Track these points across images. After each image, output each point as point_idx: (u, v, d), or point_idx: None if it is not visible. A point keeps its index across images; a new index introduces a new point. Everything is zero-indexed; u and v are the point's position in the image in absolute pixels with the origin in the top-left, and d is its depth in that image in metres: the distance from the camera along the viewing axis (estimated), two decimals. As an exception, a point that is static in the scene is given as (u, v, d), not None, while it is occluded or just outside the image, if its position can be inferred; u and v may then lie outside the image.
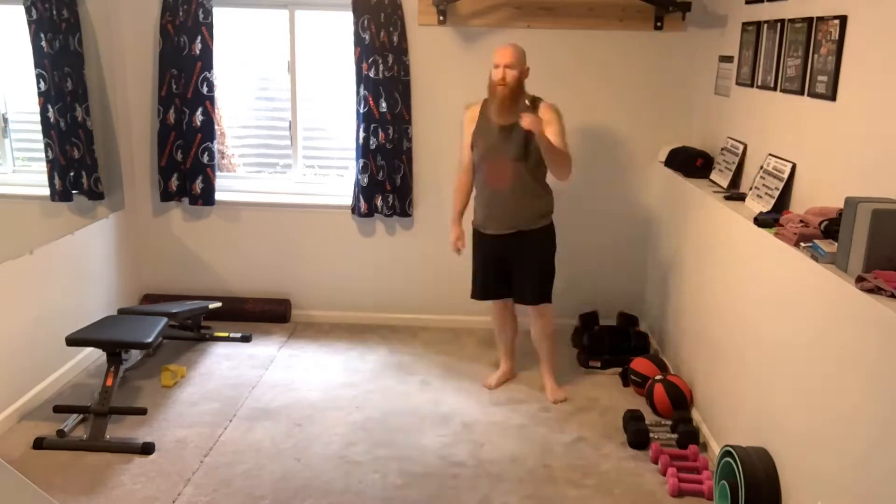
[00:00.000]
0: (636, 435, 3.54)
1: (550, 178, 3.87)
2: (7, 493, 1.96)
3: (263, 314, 4.93)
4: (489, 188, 3.82)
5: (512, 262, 3.90)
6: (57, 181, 4.13)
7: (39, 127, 4.06)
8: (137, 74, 4.74)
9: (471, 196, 3.98)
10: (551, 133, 3.65)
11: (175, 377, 4.09)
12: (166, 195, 4.82)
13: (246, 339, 4.67)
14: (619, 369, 4.27)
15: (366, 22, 4.49)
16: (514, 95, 3.66)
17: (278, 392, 4.04)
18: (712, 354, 3.52)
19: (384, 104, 4.57)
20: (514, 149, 3.70)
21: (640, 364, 4.08)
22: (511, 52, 3.65)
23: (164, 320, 3.90)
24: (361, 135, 4.62)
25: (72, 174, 4.20)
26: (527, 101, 3.74)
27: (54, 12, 3.99)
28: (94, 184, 4.33)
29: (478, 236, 3.96)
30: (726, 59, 4.02)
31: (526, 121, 3.49)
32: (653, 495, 3.20)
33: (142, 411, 3.64)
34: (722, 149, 3.95)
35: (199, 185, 4.76)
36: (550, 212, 3.91)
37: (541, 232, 3.87)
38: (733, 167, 3.73)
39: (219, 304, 4.72)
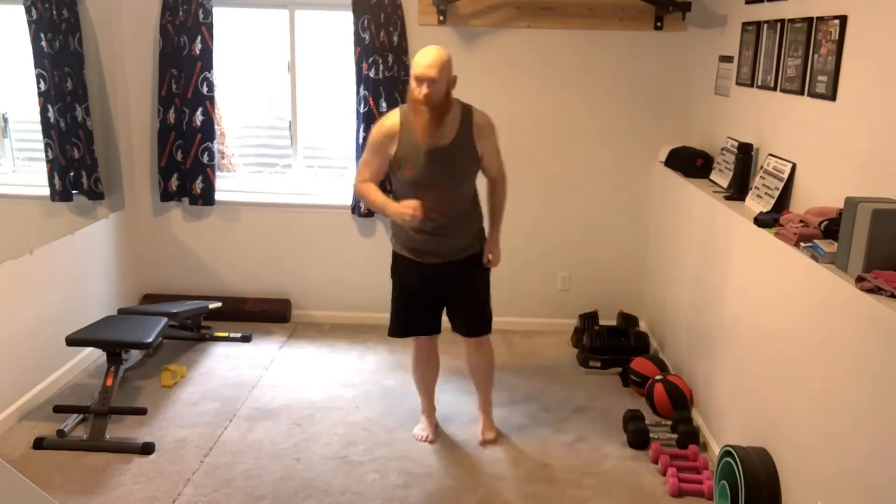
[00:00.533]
0: (636, 435, 3.54)
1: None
2: (7, 493, 1.96)
3: (263, 314, 4.93)
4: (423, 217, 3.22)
5: (449, 291, 3.41)
6: (57, 181, 4.13)
7: (39, 127, 4.06)
8: (137, 74, 4.74)
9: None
10: (490, 149, 3.28)
11: (175, 377, 4.09)
12: (166, 195, 4.82)
13: (246, 339, 4.67)
14: (619, 369, 4.27)
15: (366, 22, 4.49)
16: (441, 114, 3.11)
17: (278, 392, 4.04)
18: (712, 354, 3.52)
19: (384, 104, 4.56)
20: (449, 172, 3.18)
21: (640, 364, 4.08)
22: (435, 64, 3.04)
23: (164, 320, 3.90)
24: (361, 135, 4.62)
25: (72, 174, 4.20)
26: (458, 112, 3.20)
27: (54, 12, 3.99)
28: (94, 184, 4.33)
29: (405, 263, 3.38)
30: (726, 59, 4.02)
31: (493, 261, 3.36)
32: (653, 495, 3.20)
33: (142, 411, 3.64)
34: (722, 149, 3.95)
35: (199, 185, 4.76)
36: (483, 227, 3.46)
37: (480, 255, 3.41)
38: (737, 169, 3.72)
39: (219, 304, 4.72)
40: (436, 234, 3.27)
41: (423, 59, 3.07)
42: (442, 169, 3.16)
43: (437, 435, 3.63)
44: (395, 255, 3.44)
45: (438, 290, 3.41)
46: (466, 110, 3.24)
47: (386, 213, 3.22)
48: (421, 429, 3.64)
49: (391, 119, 3.23)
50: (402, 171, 3.21)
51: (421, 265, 3.35)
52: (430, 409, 3.69)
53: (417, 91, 3.07)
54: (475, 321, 3.48)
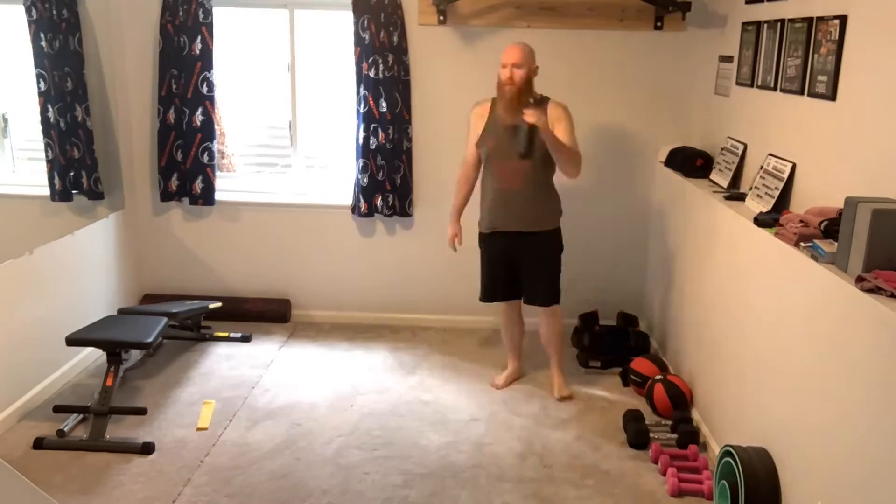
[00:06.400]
0: (636, 435, 3.54)
1: (560, 178, 3.86)
2: (7, 493, 1.96)
3: (263, 314, 4.93)
4: (497, 188, 3.82)
5: (521, 264, 3.90)
6: (57, 181, 4.13)
7: (39, 127, 4.06)
8: (137, 74, 4.74)
9: (471, 193, 3.99)
10: (560, 131, 3.68)
11: (208, 414, 3.81)
12: (166, 195, 4.82)
13: (246, 339, 4.67)
14: (619, 369, 4.27)
15: (366, 22, 4.49)
16: (521, 94, 3.66)
17: (278, 392, 4.04)
18: (712, 354, 3.52)
19: (384, 104, 4.57)
20: (522, 147, 3.68)
21: (640, 364, 4.08)
22: (519, 52, 3.67)
23: (164, 320, 3.90)
24: (361, 135, 4.62)
25: (72, 174, 4.21)
26: (532, 100, 3.69)
27: (54, 12, 3.99)
28: (94, 184, 4.34)
29: (485, 237, 3.96)
30: (726, 59, 4.02)
31: (529, 115, 3.51)
32: (653, 495, 3.20)
33: (142, 411, 3.64)
34: (722, 149, 3.95)
35: (198, 185, 4.76)
36: (559, 212, 3.93)
37: (550, 233, 3.89)
38: (733, 167, 3.73)
39: (219, 304, 4.72)
40: (506, 206, 3.83)
41: (509, 48, 3.71)
42: (515, 142, 3.70)
43: (512, 381, 4.18)
44: (480, 235, 4.00)
45: (514, 262, 3.93)
46: (543, 99, 3.76)
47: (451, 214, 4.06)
48: (494, 377, 4.18)
49: (483, 103, 3.91)
50: (486, 143, 3.82)
51: (494, 236, 3.91)
52: (512, 360, 4.20)
53: (503, 74, 3.69)
54: (543, 292, 3.94)
